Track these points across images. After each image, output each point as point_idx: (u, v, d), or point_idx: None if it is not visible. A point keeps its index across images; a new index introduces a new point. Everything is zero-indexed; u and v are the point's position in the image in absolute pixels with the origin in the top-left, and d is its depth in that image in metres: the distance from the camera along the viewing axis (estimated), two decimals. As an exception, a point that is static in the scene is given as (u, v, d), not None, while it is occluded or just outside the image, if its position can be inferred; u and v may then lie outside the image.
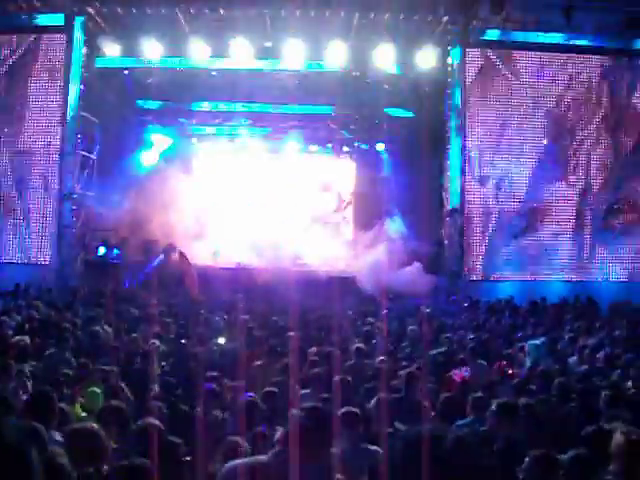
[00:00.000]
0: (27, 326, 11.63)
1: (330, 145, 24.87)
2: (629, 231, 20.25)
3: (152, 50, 19.41)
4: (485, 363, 9.78)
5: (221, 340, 11.28)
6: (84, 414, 6.89)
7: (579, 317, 14.97)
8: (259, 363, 9.09)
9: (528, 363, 10.19)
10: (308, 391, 7.75)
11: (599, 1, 19.36)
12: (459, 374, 9.16)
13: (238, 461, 4.09)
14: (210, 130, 24.68)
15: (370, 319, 13.70)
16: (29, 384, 7.56)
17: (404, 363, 9.67)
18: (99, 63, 20.16)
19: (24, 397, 6.53)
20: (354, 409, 5.86)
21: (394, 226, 22.34)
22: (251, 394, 7.26)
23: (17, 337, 9.92)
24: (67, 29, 19.43)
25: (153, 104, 23.45)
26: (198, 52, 19.41)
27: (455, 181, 19.81)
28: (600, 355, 10.31)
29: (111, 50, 19.62)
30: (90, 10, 19.25)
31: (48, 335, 10.80)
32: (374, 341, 11.45)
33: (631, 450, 4.68)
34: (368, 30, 19.24)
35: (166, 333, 11.67)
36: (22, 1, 19.00)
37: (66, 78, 19.44)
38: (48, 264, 19.38)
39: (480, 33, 19.75)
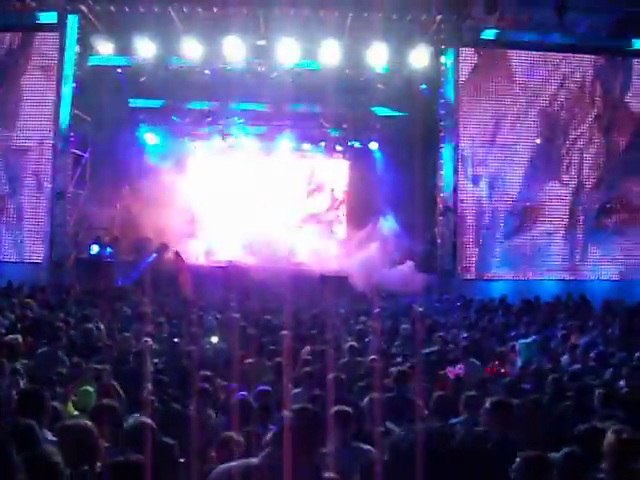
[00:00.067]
0: (20, 325, 11.60)
1: (323, 144, 24.83)
2: (622, 230, 20.33)
3: (145, 49, 19.38)
4: (478, 362, 9.80)
5: (214, 339, 11.27)
6: (77, 413, 6.88)
7: (572, 316, 15.01)
8: (251, 361, 9.11)
9: (519, 362, 10.23)
10: (299, 390, 7.76)
11: (593, 1, 19.43)
12: (453, 371, 9.19)
13: (229, 464, 4.09)
14: (203, 129, 24.63)
15: (363, 318, 13.71)
16: (22, 382, 7.55)
17: (398, 360, 9.69)
18: (92, 61, 20.09)
19: (16, 395, 6.51)
20: (346, 408, 5.85)
21: (387, 225, 22.37)
22: (244, 393, 7.27)
23: (9, 336, 9.89)
24: (60, 27, 19.39)
25: (146, 103, 23.39)
26: (191, 51, 19.38)
27: (448, 180, 19.84)
28: (592, 354, 10.33)
29: (104, 48, 19.55)
30: (83, 8, 19.21)
31: (41, 334, 10.77)
32: (367, 340, 11.46)
33: (622, 449, 4.71)
34: (362, 29, 19.22)
35: (159, 332, 11.65)
36: (15, -1, 18.99)
37: (59, 76, 19.39)
38: (41, 263, 19.36)
39: (474, 32, 19.77)
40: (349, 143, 24.89)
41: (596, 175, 20.39)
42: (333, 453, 5.02)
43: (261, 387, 7.52)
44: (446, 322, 13.99)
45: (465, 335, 12.02)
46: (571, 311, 16.08)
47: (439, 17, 19.41)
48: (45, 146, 19.48)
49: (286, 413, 4.16)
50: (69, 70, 19.40)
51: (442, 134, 20.00)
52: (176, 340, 11.03)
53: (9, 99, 19.64)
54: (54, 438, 5.02)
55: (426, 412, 6.97)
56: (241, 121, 23.79)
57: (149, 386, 7.50)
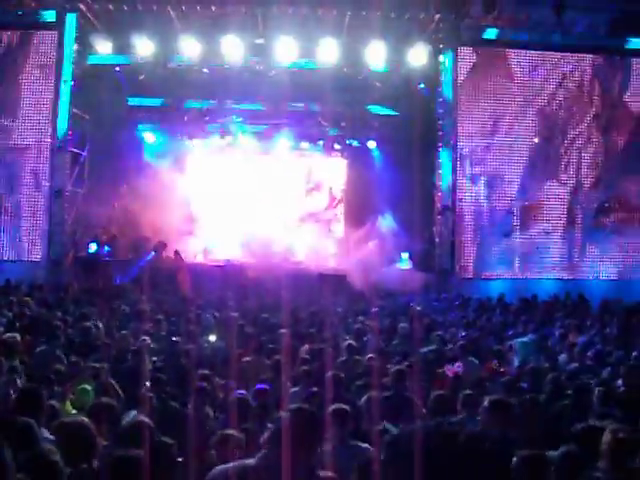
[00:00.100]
0: (18, 323, 11.59)
1: (321, 142, 24.84)
2: (620, 229, 20.33)
3: (144, 47, 19.37)
4: (476, 361, 9.80)
5: (212, 337, 11.27)
6: (74, 411, 6.88)
7: (570, 315, 15.02)
8: (249, 359, 9.11)
9: (516, 361, 10.23)
10: (297, 389, 7.76)
11: (591, 0, 19.44)
12: (452, 369, 9.19)
13: (226, 465, 4.08)
14: (201, 127, 24.62)
15: (361, 316, 13.71)
16: (19, 381, 7.54)
17: (396, 358, 9.69)
18: (91, 60, 20.09)
19: (13, 394, 6.51)
20: (344, 406, 5.86)
21: (385, 223, 22.37)
22: (242, 392, 7.27)
23: (7, 334, 9.88)
24: (59, 26, 19.38)
25: (145, 101, 23.39)
26: (190, 49, 19.37)
27: (447, 179, 19.85)
28: (590, 353, 10.34)
29: (103, 47, 19.53)
30: (82, 7, 19.21)
31: (39, 332, 10.77)
32: (365, 338, 11.46)
33: (618, 447, 4.72)
34: (360, 28, 19.22)
35: (157, 330, 11.65)
36: (13, -3, 18.98)
37: (58, 75, 19.38)
38: (39, 261, 19.36)
39: (472, 32, 19.77)
40: (347, 142, 24.90)
41: (594, 174, 20.40)
42: (330, 451, 5.02)
43: (259, 385, 7.53)
44: (444, 321, 14.00)
45: (463, 334, 12.02)
46: (569, 310, 16.09)
47: (437, 16, 19.42)
48: (43, 144, 19.47)
49: (283, 414, 4.16)
50: (68, 68, 19.38)
51: (440, 133, 20.00)
52: (175, 338, 11.02)
53: (7, 97, 19.62)
54: (51, 436, 5.02)
55: (424, 411, 6.97)
56: (239, 120, 23.79)
57: (147, 384, 7.51)
